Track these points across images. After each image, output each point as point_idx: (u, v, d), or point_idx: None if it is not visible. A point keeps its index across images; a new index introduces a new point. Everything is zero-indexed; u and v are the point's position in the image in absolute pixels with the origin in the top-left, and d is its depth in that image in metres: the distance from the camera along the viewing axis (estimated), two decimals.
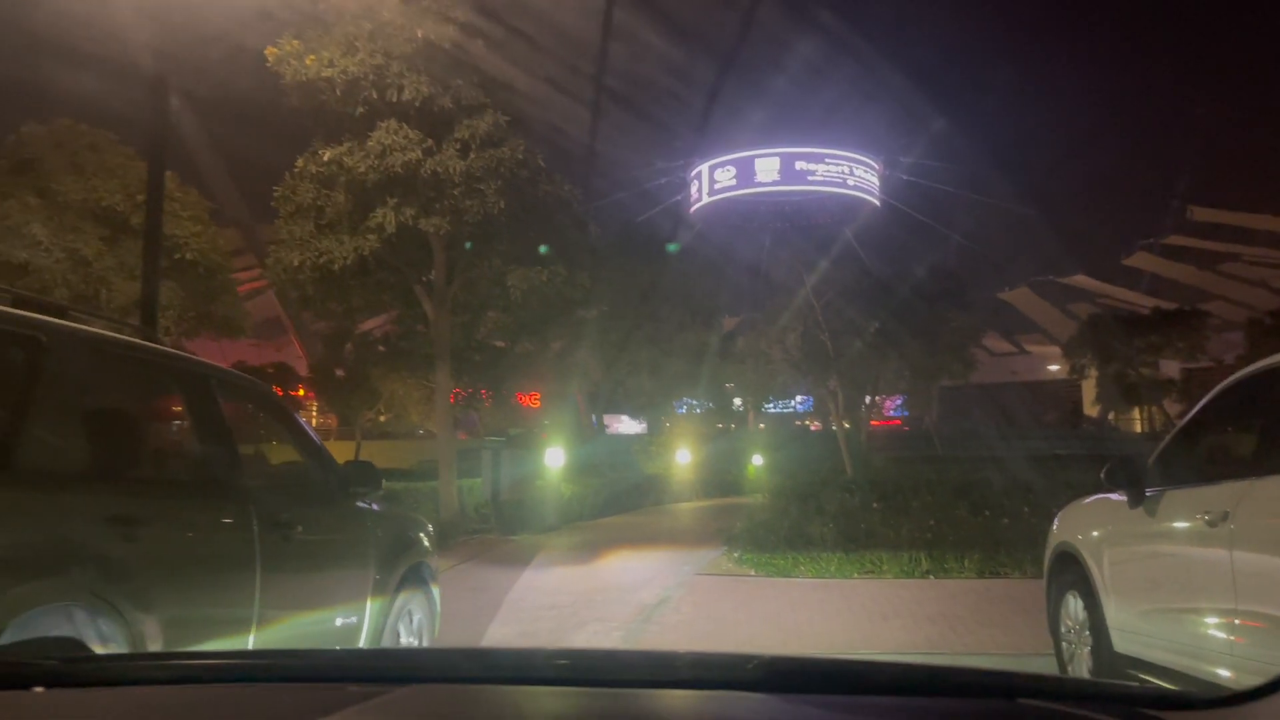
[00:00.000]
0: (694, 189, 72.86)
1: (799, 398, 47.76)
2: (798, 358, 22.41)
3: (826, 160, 69.19)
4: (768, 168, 69.40)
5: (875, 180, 71.44)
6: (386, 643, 5.46)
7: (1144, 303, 52.44)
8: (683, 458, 26.57)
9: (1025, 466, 15.17)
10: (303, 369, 37.21)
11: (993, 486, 12.19)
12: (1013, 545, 10.35)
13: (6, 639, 3.02)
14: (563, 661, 1.86)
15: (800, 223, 68.33)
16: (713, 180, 71.70)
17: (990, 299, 69.39)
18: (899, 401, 42.21)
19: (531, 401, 34.80)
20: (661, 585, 10.03)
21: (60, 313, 4.04)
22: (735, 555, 11.85)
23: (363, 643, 5.28)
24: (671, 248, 31.34)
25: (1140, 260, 71.19)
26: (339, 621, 5.06)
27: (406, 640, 5.76)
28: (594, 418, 34.64)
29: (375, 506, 5.78)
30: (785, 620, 8.11)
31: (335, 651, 3.08)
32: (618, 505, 20.15)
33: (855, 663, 1.55)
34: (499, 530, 15.16)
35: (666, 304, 27.30)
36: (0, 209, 13.74)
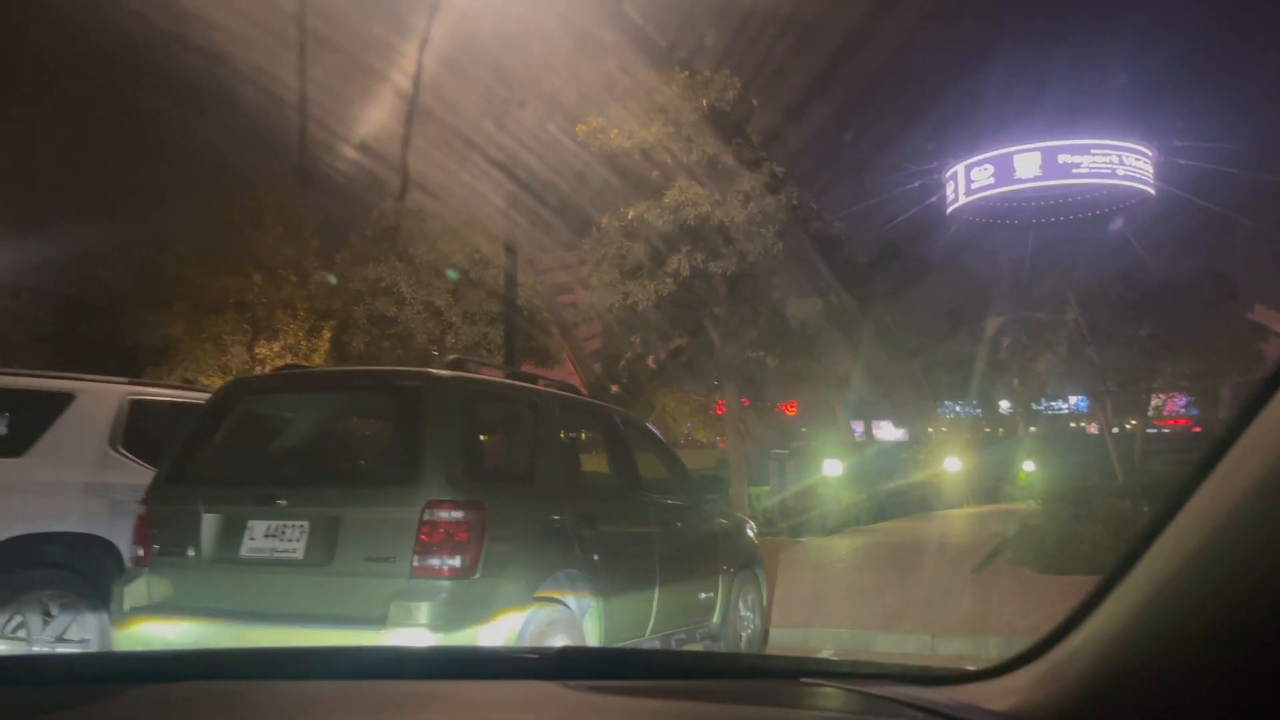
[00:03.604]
0: (949, 190, 71.12)
1: (1073, 399, 45.98)
2: (1064, 365, 22.39)
3: (1092, 151, 65.57)
4: (1028, 163, 66.73)
5: (1149, 168, 66.83)
6: (732, 617, 6.73)
7: None
8: (951, 465, 26.96)
9: None
10: (577, 384, 40.49)
11: None
12: None
13: (546, 588, 4.85)
14: (351, 659, 1.91)
15: (1065, 217, 65.52)
16: (969, 180, 69.84)
17: None
18: (1183, 401, 39.78)
19: (788, 409, 35.99)
20: (942, 581, 10.81)
21: (533, 380, 6.07)
22: (1010, 555, 12.50)
23: (717, 616, 6.61)
24: (930, 255, 31.75)
25: None
26: (702, 596, 6.49)
27: (745, 614, 7.03)
28: (854, 426, 35.33)
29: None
30: (1061, 612, 9.05)
31: (103, 654, 3.01)
32: (891, 511, 21.13)
33: (650, 651, 1.84)
34: (787, 533, 16.67)
35: (929, 312, 27.82)
36: (374, 271, 17.10)
